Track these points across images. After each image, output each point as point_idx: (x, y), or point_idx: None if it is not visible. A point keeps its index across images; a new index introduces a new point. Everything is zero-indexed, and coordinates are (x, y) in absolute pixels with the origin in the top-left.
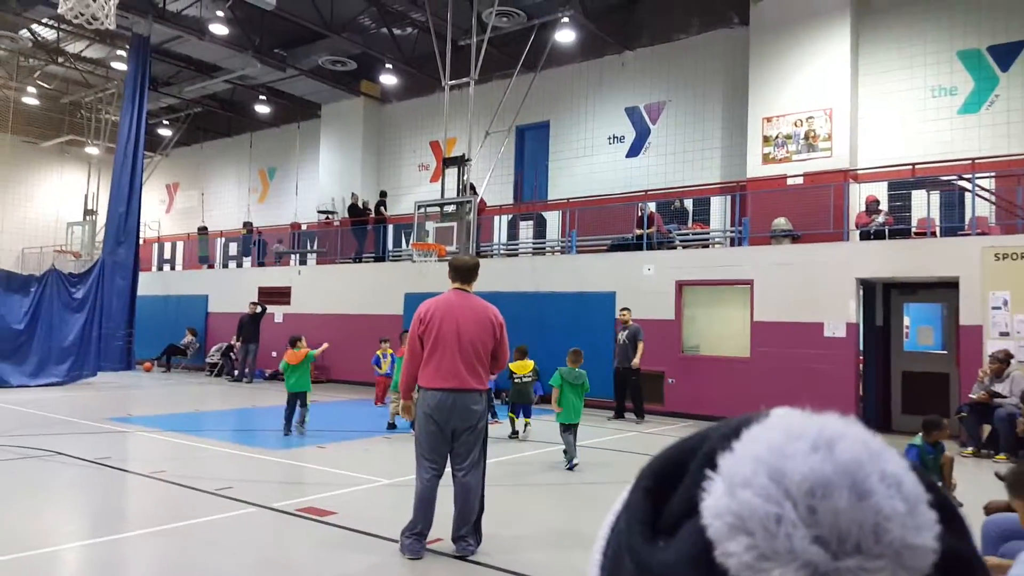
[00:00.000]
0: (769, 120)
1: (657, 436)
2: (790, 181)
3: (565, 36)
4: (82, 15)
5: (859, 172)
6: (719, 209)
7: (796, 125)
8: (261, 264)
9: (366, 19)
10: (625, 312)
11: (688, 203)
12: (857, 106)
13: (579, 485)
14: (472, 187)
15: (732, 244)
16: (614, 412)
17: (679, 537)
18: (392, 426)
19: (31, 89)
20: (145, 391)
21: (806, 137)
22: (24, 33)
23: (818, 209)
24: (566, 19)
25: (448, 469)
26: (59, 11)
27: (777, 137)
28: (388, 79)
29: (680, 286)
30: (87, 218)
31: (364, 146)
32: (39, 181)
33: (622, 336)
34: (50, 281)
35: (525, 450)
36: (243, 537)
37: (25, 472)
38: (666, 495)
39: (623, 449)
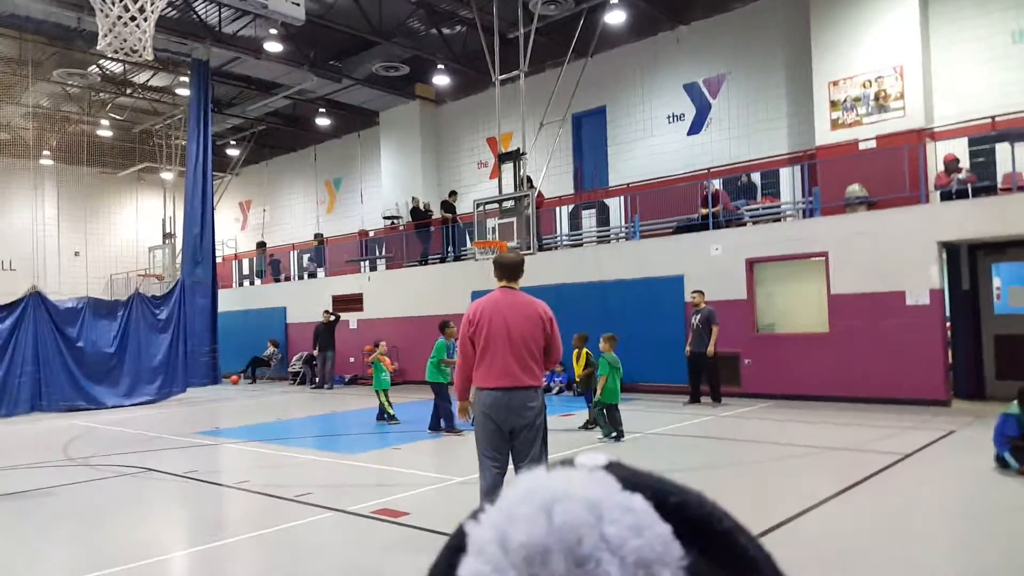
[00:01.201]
0: (836, 84)
1: (735, 419)
2: (862, 145)
3: (615, 17)
4: (121, 48)
5: (935, 130)
6: (788, 181)
7: (865, 86)
8: (337, 274)
9: (415, 22)
10: (696, 295)
11: (755, 177)
12: (929, 61)
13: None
14: (529, 180)
15: (804, 216)
16: (689, 397)
17: None
18: (450, 429)
19: (104, 121)
20: (232, 404)
21: (876, 98)
22: (93, 69)
23: (894, 172)
24: (615, 0)
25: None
26: (99, 47)
27: (845, 101)
28: (441, 80)
29: (751, 264)
30: (166, 241)
31: (423, 148)
32: (120, 209)
33: (695, 320)
34: (135, 304)
35: (592, 443)
36: (321, 542)
37: (121, 489)
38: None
39: (703, 435)
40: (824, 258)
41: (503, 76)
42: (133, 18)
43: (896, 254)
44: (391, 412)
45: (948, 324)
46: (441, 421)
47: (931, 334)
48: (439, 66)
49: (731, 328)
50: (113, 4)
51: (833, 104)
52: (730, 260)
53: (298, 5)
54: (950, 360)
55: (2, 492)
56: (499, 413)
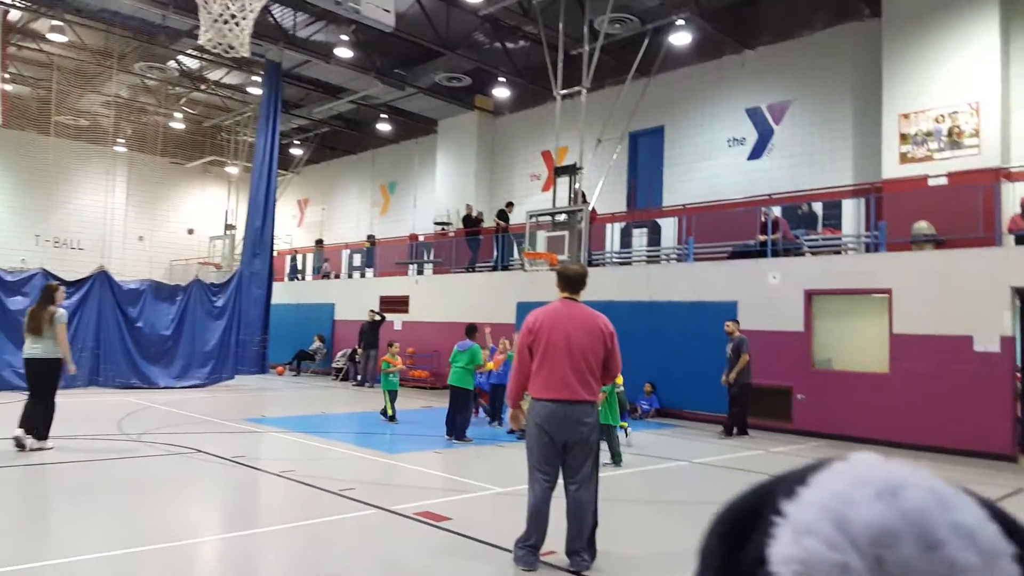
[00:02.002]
0: (907, 117)
1: (785, 456)
2: (932, 182)
3: (680, 39)
4: (220, 44)
5: (1012, 170)
6: (852, 213)
7: (938, 121)
8: (386, 275)
9: (480, 35)
10: (731, 323)
11: (817, 207)
12: (1008, 98)
13: (698, 504)
14: (583, 195)
15: (867, 250)
16: (723, 429)
17: None
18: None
19: (177, 115)
20: (277, 393)
21: (949, 134)
22: (171, 64)
23: (965, 212)
24: (681, 21)
25: (560, 481)
26: (199, 42)
27: (916, 135)
28: (500, 92)
29: (809, 295)
30: (227, 232)
31: (478, 158)
32: (185, 199)
33: (728, 348)
34: (194, 291)
35: (637, 464)
36: (364, 538)
37: (170, 467)
38: (740, 542)
39: (746, 468)
40: (887, 295)
41: (564, 91)
42: (233, 16)
43: (965, 297)
44: (391, 412)
45: (1018, 374)
46: (457, 428)
47: (999, 383)
48: (500, 79)
49: (785, 361)
50: (216, 2)
51: (903, 137)
52: (788, 290)
53: (388, 12)
54: (1019, 413)
55: (60, 460)
56: (553, 426)
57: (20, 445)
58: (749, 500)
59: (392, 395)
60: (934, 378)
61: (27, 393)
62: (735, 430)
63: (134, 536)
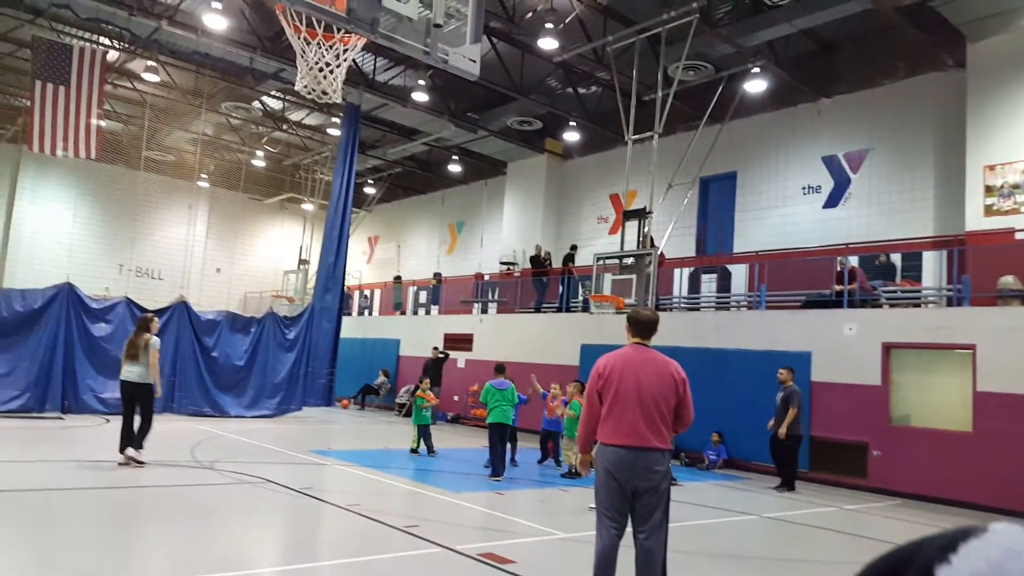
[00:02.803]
0: (992, 169)
1: (861, 514)
2: (1019, 235)
3: (755, 86)
4: (314, 90)
5: None
6: (932, 265)
7: None
8: (451, 312)
9: (552, 80)
10: (785, 371)
11: (895, 258)
12: None
13: (772, 560)
14: (651, 240)
15: (949, 304)
16: (781, 483)
17: None
18: (569, 475)
19: (259, 153)
20: (342, 427)
21: None
22: (255, 104)
23: None
24: (756, 69)
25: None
26: (296, 88)
27: (1003, 187)
28: (571, 135)
29: (887, 348)
30: (300, 267)
31: (545, 200)
32: (262, 233)
33: (778, 398)
34: (268, 323)
35: (705, 516)
36: None
37: (241, 496)
38: None
39: (818, 525)
40: (971, 351)
41: (635, 136)
42: (328, 63)
43: None
44: (416, 446)
45: None
46: (494, 464)
47: None
48: (571, 123)
49: (861, 416)
50: (313, 52)
51: (988, 189)
52: (864, 342)
53: (474, 62)
54: None
55: (135, 484)
56: (622, 472)
57: (128, 462)
58: (888, 565)
59: (421, 429)
60: (1021, 439)
61: (117, 415)
62: (790, 484)
63: (206, 561)
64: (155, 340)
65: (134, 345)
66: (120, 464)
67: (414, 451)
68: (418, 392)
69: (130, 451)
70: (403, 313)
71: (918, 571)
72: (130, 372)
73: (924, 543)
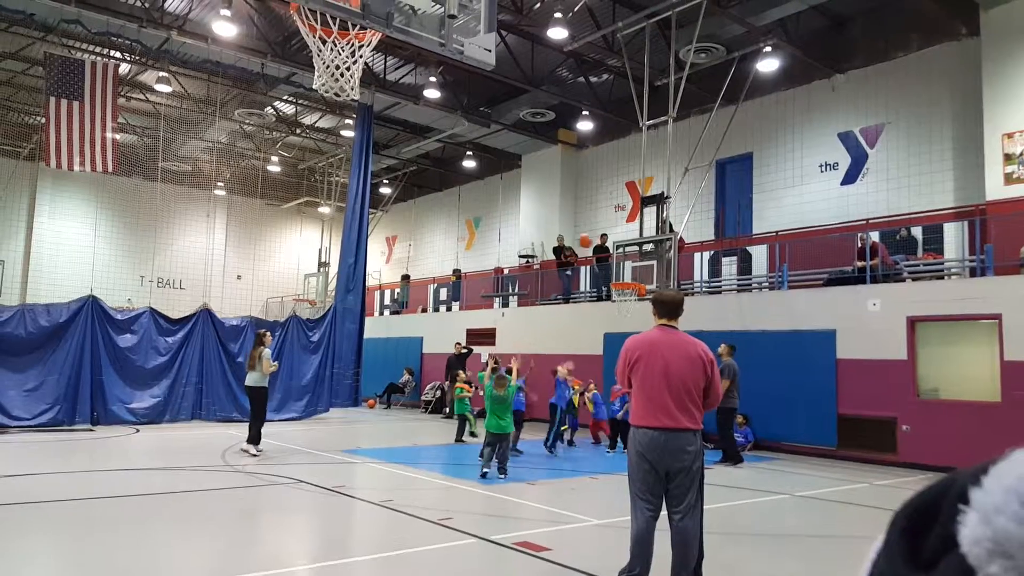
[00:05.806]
0: (1010, 136)
1: (892, 489)
2: None
3: (768, 65)
4: (331, 89)
5: None
6: (954, 237)
7: None
8: (472, 308)
9: (563, 70)
10: (722, 346)
11: (916, 231)
12: None
13: (807, 537)
14: (670, 225)
15: (972, 275)
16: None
17: (941, 569)
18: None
19: (274, 158)
20: (370, 426)
21: None
22: (268, 110)
23: None
24: (768, 48)
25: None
26: (314, 87)
27: (1022, 155)
28: (584, 125)
29: (912, 322)
30: (320, 270)
31: (562, 191)
32: (281, 238)
33: None
34: (291, 326)
35: (738, 498)
36: (467, 567)
37: (275, 497)
38: (920, 535)
39: (850, 501)
40: (997, 321)
41: (650, 122)
42: (344, 62)
43: None
44: (474, 430)
45: None
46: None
47: None
48: (583, 112)
49: (888, 391)
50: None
51: (1007, 157)
52: (889, 317)
53: (489, 51)
54: None
55: (171, 490)
56: (654, 454)
57: (253, 452)
58: (925, 499)
59: (462, 418)
60: None
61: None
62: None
63: (244, 562)
64: (267, 352)
65: (252, 357)
66: (251, 455)
67: (473, 434)
68: (456, 384)
69: (252, 448)
70: (398, 313)
71: (953, 499)
72: (250, 378)
73: (959, 474)
